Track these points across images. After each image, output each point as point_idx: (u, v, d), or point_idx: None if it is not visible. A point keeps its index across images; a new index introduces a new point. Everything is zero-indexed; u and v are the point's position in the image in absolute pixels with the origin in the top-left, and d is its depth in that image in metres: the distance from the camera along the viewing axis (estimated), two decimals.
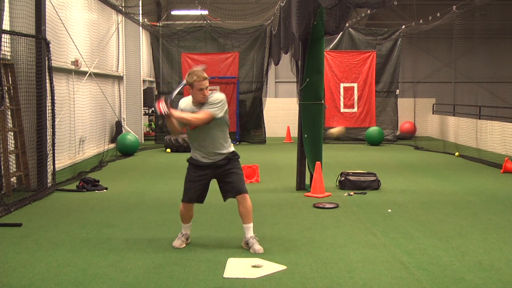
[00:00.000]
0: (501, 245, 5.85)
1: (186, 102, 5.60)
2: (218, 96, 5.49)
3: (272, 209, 7.68)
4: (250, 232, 5.65)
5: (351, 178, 9.17)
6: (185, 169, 5.78)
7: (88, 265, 5.14)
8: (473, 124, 16.38)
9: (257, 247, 5.57)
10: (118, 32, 17.13)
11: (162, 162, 13.00)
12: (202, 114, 5.36)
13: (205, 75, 5.43)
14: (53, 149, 9.30)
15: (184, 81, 5.54)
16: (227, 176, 5.62)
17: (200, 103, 5.47)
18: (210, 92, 5.52)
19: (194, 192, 5.64)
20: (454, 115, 19.17)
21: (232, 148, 5.70)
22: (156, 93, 18.16)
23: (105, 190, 9.11)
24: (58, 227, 6.64)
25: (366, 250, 5.63)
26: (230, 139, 5.72)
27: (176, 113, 5.34)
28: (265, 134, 17.92)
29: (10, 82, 8.68)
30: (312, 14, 8.61)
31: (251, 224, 5.68)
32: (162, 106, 5.22)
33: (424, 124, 20.63)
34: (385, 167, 11.89)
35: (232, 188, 5.62)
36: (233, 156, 5.69)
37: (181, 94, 5.86)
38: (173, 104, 5.34)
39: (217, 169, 5.61)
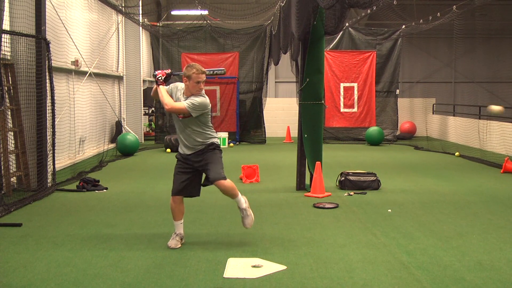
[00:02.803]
0: (501, 245, 5.85)
1: (178, 87, 5.76)
2: (201, 99, 5.63)
3: (272, 209, 7.68)
4: (240, 204, 5.81)
5: (351, 178, 9.17)
6: None
7: (88, 265, 5.14)
8: (473, 124, 16.38)
9: (246, 221, 5.81)
10: (118, 32, 17.13)
11: (162, 162, 13.00)
12: (177, 105, 5.61)
13: (204, 69, 5.67)
14: (53, 149, 9.30)
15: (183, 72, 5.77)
16: (205, 167, 5.73)
17: (188, 96, 5.64)
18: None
19: (180, 184, 5.73)
20: (454, 115, 19.16)
21: (212, 141, 5.77)
22: None
23: (105, 190, 9.11)
24: (58, 227, 6.64)
25: (366, 250, 5.63)
26: (212, 134, 5.80)
27: (162, 88, 5.68)
28: (265, 134, 17.92)
29: (10, 82, 8.68)
30: (312, 14, 8.61)
31: (238, 197, 5.78)
32: (161, 74, 5.73)
33: (424, 124, 20.61)
34: (385, 167, 11.89)
35: (207, 177, 5.76)
36: (210, 147, 5.74)
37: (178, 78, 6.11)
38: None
39: (197, 161, 5.70)
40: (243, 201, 5.83)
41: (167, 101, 5.61)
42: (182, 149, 5.79)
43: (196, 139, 5.68)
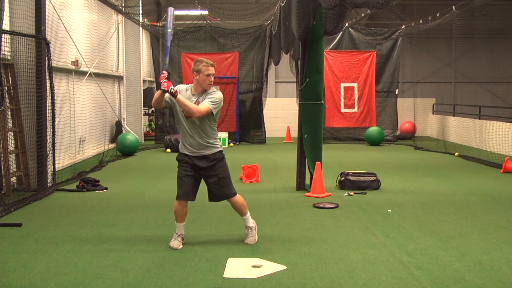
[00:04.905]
0: (501, 245, 5.85)
1: (183, 89, 5.66)
2: (219, 95, 5.64)
3: (272, 209, 7.68)
4: (248, 222, 5.88)
5: (351, 178, 9.17)
6: None
7: (88, 265, 5.14)
8: (473, 124, 16.38)
9: (249, 239, 5.83)
10: (118, 32, 17.13)
11: (162, 162, 13.00)
12: (203, 108, 5.48)
13: (212, 62, 5.61)
14: (53, 149, 9.30)
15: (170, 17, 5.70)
16: (213, 181, 5.69)
17: (199, 93, 5.57)
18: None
19: (189, 188, 5.66)
20: (454, 115, 19.17)
21: (219, 144, 5.75)
22: None
23: (105, 190, 9.11)
24: (58, 227, 6.64)
25: (366, 250, 5.63)
26: (215, 135, 5.74)
27: (181, 97, 5.43)
28: (265, 134, 17.92)
29: (10, 82, 8.68)
30: (312, 14, 8.61)
31: (248, 215, 5.89)
32: (167, 83, 5.36)
33: (424, 124, 20.62)
34: (385, 167, 11.89)
35: (218, 194, 5.77)
36: (219, 156, 5.70)
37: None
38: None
39: (204, 167, 5.63)
40: (251, 220, 5.90)
41: (195, 109, 5.40)
42: (185, 150, 5.66)
43: (202, 140, 5.58)
